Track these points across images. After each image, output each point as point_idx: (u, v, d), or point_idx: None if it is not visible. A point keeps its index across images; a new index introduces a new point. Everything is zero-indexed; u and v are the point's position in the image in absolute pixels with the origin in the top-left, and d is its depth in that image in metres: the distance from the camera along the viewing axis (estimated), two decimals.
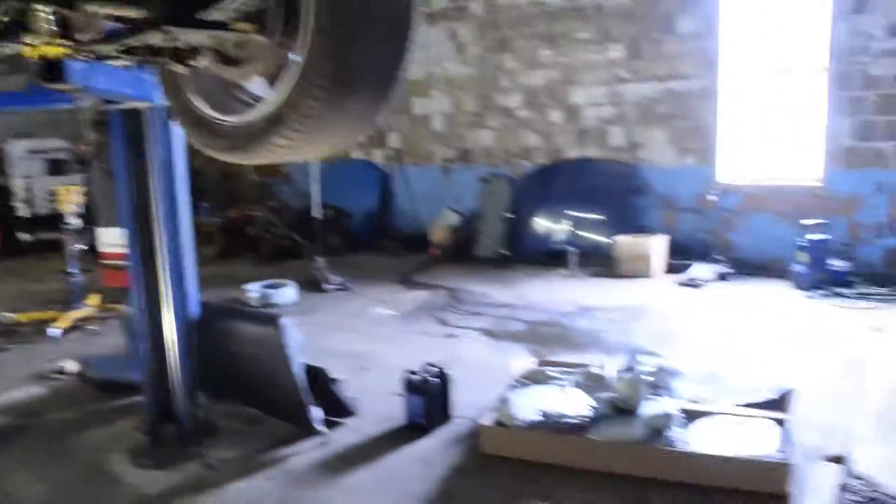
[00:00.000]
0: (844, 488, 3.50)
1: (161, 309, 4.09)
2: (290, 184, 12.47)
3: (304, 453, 4.16)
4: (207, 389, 4.42)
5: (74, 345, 6.33)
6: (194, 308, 4.22)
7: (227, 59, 1.91)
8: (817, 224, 7.43)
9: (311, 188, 8.48)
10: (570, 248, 8.71)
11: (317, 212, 8.45)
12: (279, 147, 1.82)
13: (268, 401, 4.41)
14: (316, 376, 4.32)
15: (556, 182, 9.51)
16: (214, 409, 4.53)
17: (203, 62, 1.92)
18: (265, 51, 1.77)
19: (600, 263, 8.69)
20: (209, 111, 2.15)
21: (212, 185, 13.43)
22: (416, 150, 10.87)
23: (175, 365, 4.16)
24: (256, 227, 10.27)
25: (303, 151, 1.98)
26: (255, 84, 1.98)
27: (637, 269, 8.28)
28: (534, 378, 4.44)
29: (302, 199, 10.17)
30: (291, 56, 1.71)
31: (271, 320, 3.97)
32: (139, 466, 4.10)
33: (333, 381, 4.39)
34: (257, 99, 2.01)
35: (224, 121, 2.08)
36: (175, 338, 4.10)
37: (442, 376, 4.41)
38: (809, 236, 7.36)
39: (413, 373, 4.40)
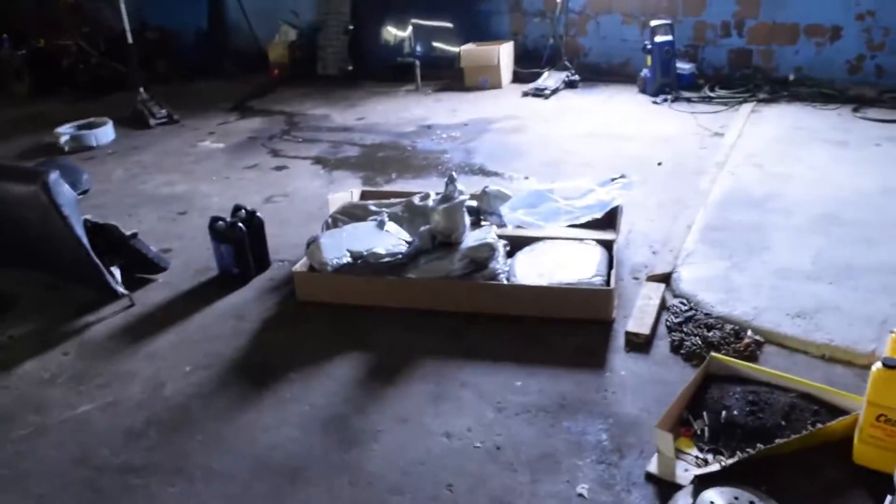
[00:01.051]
0: (666, 308, 3.46)
1: None
2: (109, 3, 11.09)
3: (106, 320, 3.76)
4: None
5: None
6: None
7: None
8: (663, 25, 7.17)
9: (119, 5, 7.41)
10: (416, 62, 8.20)
11: (130, 35, 7.48)
12: None
13: (59, 266, 3.93)
14: (109, 234, 3.85)
15: None
16: (5, 279, 4.05)
17: None
18: None
19: (447, 76, 8.26)
20: None
21: (20, 11, 11.81)
22: None
23: None
24: (70, 57, 9.14)
25: None
26: None
27: (484, 81, 7.91)
28: (352, 214, 4.12)
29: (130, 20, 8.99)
30: None
31: (34, 177, 3.41)
32: None
33: (130, 236, 3.93)
34: None
35: None
36: None
37: (252, 220, 4.03)
38: (655, 38, 7.12)
39: (219, 219, 3.99)
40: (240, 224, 3.94)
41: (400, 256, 3.64)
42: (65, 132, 6.82)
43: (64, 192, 3.44)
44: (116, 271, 3.87)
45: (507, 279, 3.60)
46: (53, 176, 3.40)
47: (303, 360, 3.29)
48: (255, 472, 2.65)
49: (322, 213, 4.47)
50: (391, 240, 3.75)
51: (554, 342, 3.28)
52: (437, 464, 2.61)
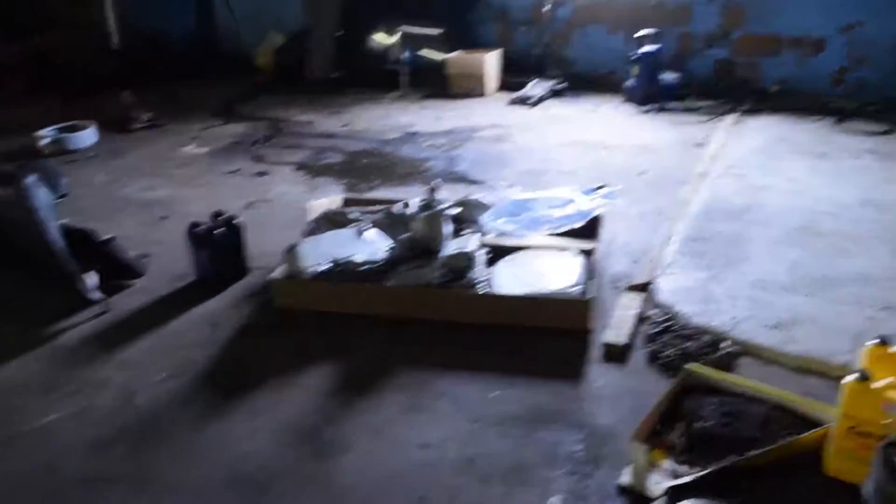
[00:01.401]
0: (644, 318, 3.45)
1: None
2: (98, 6, 11.02)
3: (80, 326, 3.70)
4: None
5: None
6: None
7: None
8: (649, 35, 7.19)
9: (106, 10, 7.38)
10: (403, 68, 8.19)
11: (117, 37, 7.44)
12: None
13: (35, 269, 3.89)
14: (84, 238, 3.81)
15: None
16: None
17: None
18: None
19: (434, 84, 8.25)
20: None
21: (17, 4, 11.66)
22: None
23: None
24: (64, 57, 9.04)
25: None
26: None
27: (470, 88, 7.91)
28: (333, 220, 4.10)
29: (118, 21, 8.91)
30: None
31: (10, 180, 3.37)
32: None
33: (106, 241, 3.89)
34: None
35: None
36: None
37: (231, 226, 3.99)
38: (641, 49, 7.14)
39: (197, 224, 3.96)
40: (218, 229, 3.90)
41: (379, 264, 3.62)
42: (46, 135, 6.76)
43: (40, 196, 3.40)
44: (94, 276, 3.82)
45: (488, 288, 3.58)
46: (29, 179, 3.36)
47: (278, 368, 3.25)
48: (226, 482, 2.61)
49: (303, 220, 4.44)
50: (371, 247, 3.73)
51: (532, 352, 3.26)
52: (410, 476, 2.58)
